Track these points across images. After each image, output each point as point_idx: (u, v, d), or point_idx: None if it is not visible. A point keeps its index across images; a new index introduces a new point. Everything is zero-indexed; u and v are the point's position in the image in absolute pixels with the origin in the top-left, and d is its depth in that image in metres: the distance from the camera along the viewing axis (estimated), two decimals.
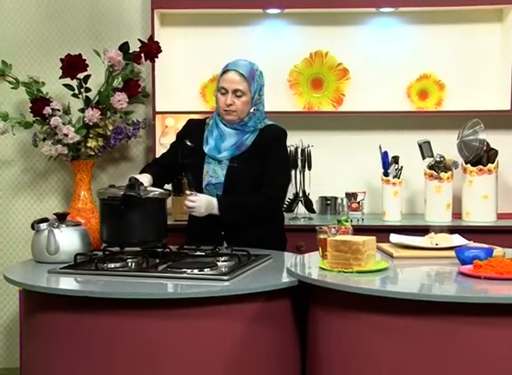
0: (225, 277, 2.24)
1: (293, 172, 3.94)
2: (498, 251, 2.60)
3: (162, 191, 2.66)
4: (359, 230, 3.36)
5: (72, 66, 3.71)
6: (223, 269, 2.36)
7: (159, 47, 3.81)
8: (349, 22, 4.16)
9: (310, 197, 3.99)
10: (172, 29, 4.22)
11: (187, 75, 4.23)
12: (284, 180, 3.00)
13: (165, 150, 4.01)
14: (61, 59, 3.75)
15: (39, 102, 3.74)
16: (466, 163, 3.83)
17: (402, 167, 3.90)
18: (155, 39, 3.97)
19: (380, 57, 4.18)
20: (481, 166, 3.78)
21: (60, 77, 3.78)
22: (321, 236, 2.48)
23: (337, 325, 2.17)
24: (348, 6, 4.06)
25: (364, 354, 2.08)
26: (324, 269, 2.31)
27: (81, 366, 2.15)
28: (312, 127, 4.17)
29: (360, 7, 4.06)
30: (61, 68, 3.74)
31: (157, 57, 3.84)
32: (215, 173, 2.96)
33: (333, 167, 4.17)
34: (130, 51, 3.87)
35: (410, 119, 4.16)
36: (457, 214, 3.91)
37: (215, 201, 2.80)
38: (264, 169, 2.94)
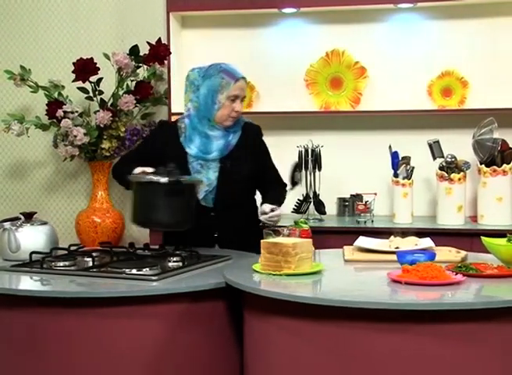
0: (154, 277, 2.25)
1: (303, 172, 3.91)
2: (456, 255, 2.48)
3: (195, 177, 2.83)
4: (365, 232, 3.31)
5: (83, 69, 3.83)
6: (165, 269, 2.37)
7: (167, 49, 3.87)
8: (366, 19, 4.07)
9: (321, 198, 3.93)
10: (192, 31, 4.27)
11: None
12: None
13: None
14: (73, 63, 3.88)
15: (53, 105, 3.88)
16: (481, 164, 3.65)
17: (413, 168, 3.77)
18: (174, 41, 4.05)
19: (399, 54, 4.05)
20: (495, 167, 3.60)
21: (73, 81, 3.91)
22: (269, 238, 2.45)
23: (255, 327, 2.14)
24: (365, 3, 3.96)
25: (273, 358, 2.04)
26: (256, 271, 2.28)
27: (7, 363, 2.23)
28: (328, 127, 4.11)
29: (377, 3, 3.96)
30: (73, 72, 3.86)
31: (165, 59, 3.90)
32: (206, 176, 2.94)
33: (350, 168, 4.08)
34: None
35: (430, 118, 4.02)
36: (474, 217, 3.74)
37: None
38: (263, 168, 3.07)
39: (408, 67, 4.05)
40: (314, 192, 3.92)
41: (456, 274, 2.12)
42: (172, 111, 4.11)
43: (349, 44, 4.08)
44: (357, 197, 3.82)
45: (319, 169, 3.89)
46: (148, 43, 3.88)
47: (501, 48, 3.94)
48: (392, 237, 2.64)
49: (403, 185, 3.73)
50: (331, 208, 4.02)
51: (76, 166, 4.43)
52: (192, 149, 2.98)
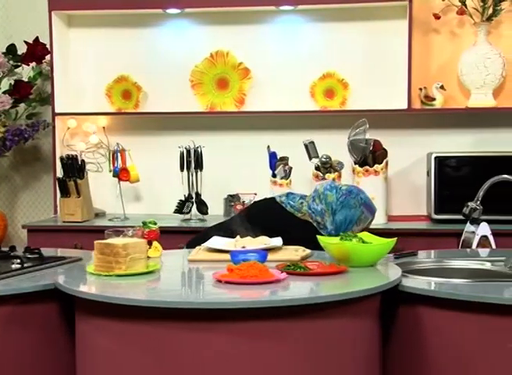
0: None
1: (185, 173, 3.91)
2: (296, 254, 2.51)
3: None
4: None
5: None
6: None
7: (45, 48, 3.83)
8: (249, 21, 4.10)
9: (204, 198, 3.94)
10: (79, 30, 4.24)
11: (93, 76, 4.24)
12: None
13: (70, 152, 4.07)
14: None
15: None
16: (355, 164, 3.72)
17: (291, 168, 3.81)
18: (59, 40, 4.02)
19: (282, 56, 4.10)
20: (367, 167, 3.67)
21: None
22: (109, 239, 2.44)
23: (80, 328, 2.13)
24: (247, 5, 4.00)
25: (93, 359, 2.04)
26: (89, 272, 2.27)
27: None
28: (212, 128, 4.13)
29: (259, 5, 4.00)
30: None
31: (44, 58, 3.86)
32: None
33: (233, 168, 4.11)
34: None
35: (313, 118, 4.07)
36: None
37: None
38: None
39: (291, 68, 4.09)
40: (197, 192, 3.93)
41: (281, 273, 2.15)
42: (56, 111, 4.08)
43: (233, 45, 4.11)
44: (235, 197, 3.84)
45: (200, 170, 3.90)
46: (25, 42, 3.83)
47: (377, 51, 4.01)
48: (238, 236, 2.66)
49: (281, 185, 3.77)
50: (216, 208, 4.03)
51: None
52: None
